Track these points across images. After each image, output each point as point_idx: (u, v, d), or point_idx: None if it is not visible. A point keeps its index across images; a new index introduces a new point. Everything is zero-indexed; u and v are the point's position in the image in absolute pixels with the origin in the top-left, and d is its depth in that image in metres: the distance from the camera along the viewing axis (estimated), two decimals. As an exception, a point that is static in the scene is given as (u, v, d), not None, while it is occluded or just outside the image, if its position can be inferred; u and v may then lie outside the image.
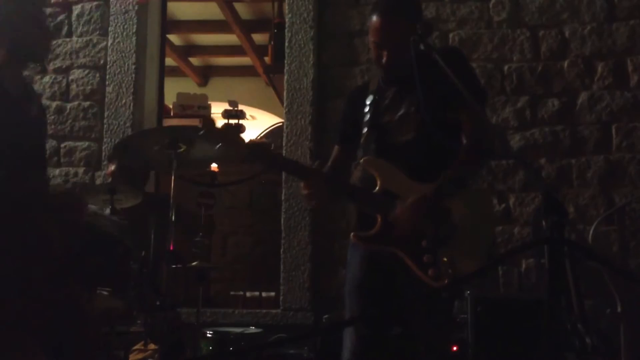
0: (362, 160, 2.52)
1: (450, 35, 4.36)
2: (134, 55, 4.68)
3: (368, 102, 2.63)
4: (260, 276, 5.29)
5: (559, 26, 4.26)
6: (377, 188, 2.46)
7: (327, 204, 2.56)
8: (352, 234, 2.49)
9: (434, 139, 2.43)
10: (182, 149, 3.02)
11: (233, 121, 5.98)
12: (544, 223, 1.69)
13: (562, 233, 1.67)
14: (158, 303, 3.10)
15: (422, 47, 2.31)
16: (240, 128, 6.04)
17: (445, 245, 2.37)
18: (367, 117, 2.60)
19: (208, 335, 3.52)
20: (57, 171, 4.69)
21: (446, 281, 2.33)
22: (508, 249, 4.06)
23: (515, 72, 4.28)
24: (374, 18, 2.53)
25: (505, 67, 4.30)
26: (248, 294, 4.74)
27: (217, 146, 2.54)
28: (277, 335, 3.81)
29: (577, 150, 4.14)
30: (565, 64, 4.23)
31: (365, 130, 2.60)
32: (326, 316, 3.77)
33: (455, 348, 3.20)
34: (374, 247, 2.49)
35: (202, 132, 2.91)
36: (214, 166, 5.35)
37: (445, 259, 2.34)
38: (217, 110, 6.17)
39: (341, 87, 4.33)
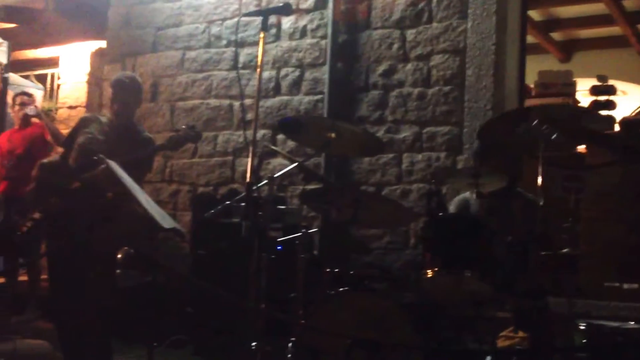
0: None
1: None
2: (494, 35, 4.62)
3: None
4: (636, 267, 4.78)
5: None
6: None
7: None
8: None
9: None
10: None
11: (602, 98, 5.51)
12: None
13: None
14: (526, 290, 2.99)
15: None
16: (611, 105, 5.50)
17: None
18: None
19: (581, 327, 3.26)
20: (419, 156, 4.82)
21: None
22: None
23: None
24: None
25: None
26: (625, 286, 4.30)
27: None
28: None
29: None
30: None
31: None
32: None
33: None
34: None
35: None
36: (581, 147, 4.99)
37: None
38: (583, 87, 5.75)
39: None
